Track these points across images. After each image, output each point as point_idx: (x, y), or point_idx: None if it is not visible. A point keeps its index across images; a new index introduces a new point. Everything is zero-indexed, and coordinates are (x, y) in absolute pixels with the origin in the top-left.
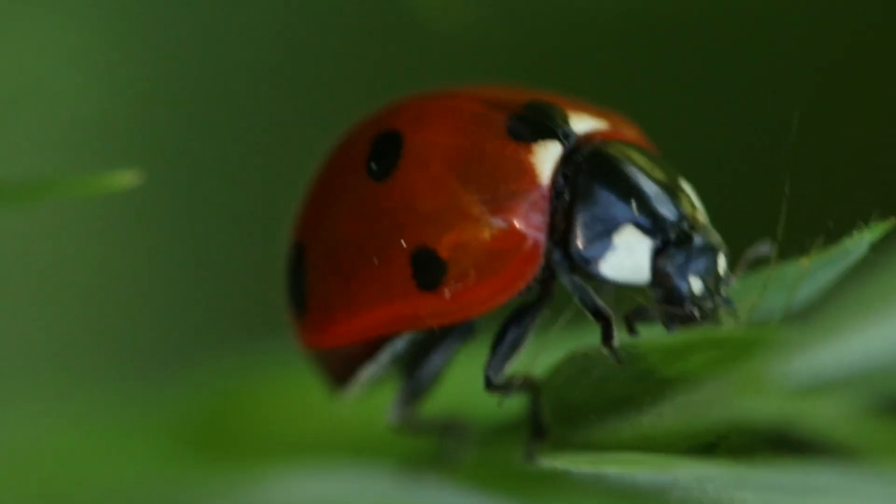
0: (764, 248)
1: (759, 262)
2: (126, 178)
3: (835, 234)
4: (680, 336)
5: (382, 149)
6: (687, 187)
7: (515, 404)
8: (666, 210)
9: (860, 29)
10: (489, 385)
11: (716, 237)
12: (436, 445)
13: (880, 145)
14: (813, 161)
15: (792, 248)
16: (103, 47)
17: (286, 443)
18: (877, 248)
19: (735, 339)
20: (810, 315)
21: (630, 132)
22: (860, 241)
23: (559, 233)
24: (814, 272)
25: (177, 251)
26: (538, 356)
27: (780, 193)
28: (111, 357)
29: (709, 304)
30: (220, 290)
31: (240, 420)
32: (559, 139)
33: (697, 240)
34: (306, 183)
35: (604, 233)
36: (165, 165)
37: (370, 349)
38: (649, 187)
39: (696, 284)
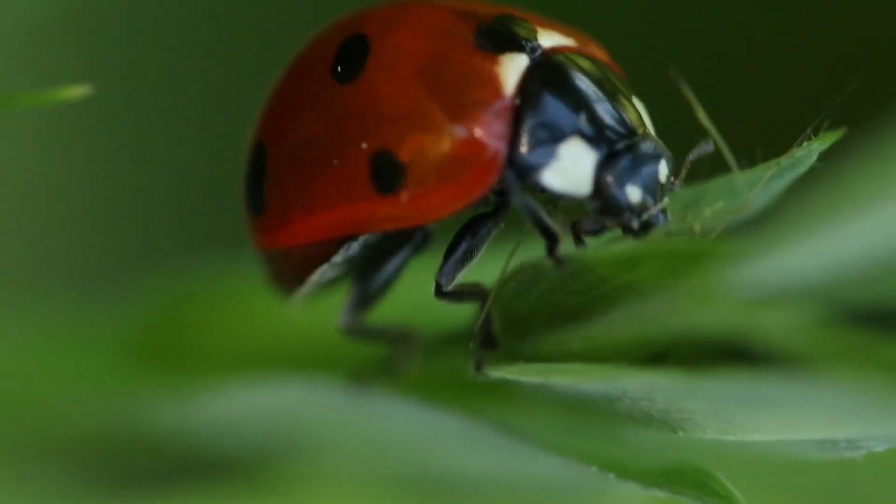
0: (706, 147)
1: (701, 161)
2: (76, 91)
3: (785, 144)
4: (629, 246)
5: (349, 52)
6: (640, 106)
7: (464, 315)
8: (613, 124)
9: None
10: (439, 291)
11: (658, 147)
12: (384, 355)
13: (830, 59)
14: (766, 71)
15: (743, 159)
16: None
17: (235, 353)
18: (826, 157)
19: (685, 250)
20: (761, 225)
21: (597, 51)
22: (809, 151)
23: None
24: (764, 181)
25: (123, 165)
26: (488, 267)
27: (733, 105)
28: (58, 271)
29: (647, 215)
30: (167, 202)
31: (189, 331)
32: (526, 52)
33: (639, 150)
34: (257, 94)
35: (550, 141)
36: (111, 76)
37: (325, 251)
38: (599, 100)
39: (635, 194)
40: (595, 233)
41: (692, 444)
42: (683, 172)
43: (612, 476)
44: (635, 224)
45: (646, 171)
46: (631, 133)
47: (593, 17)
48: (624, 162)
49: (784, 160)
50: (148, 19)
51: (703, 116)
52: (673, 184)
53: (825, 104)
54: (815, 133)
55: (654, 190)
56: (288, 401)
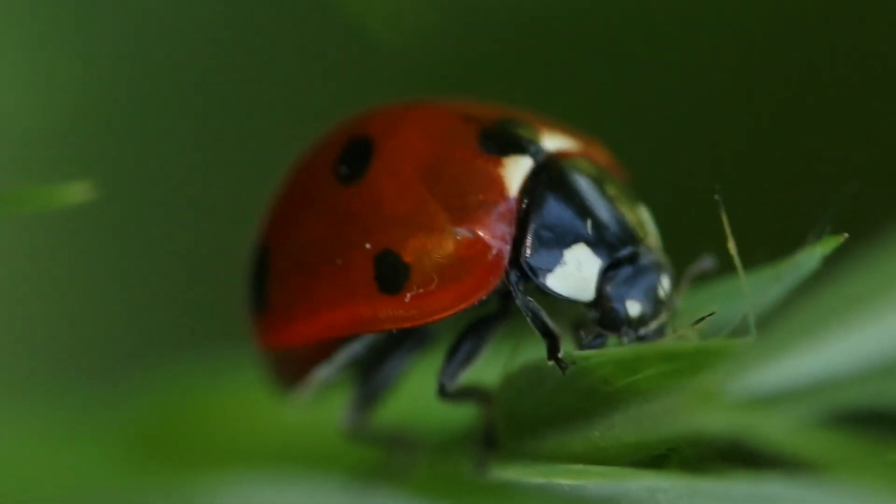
0: (706, 263)
1: (702, 278)
2: (80, 191)
3: (787, 247)
4: (631, 349)
5: (353, 154)
6: (644, 213)
7: (467, 416)
8: (617, 231)
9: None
10: (442, 392)
11: (662, 261)
12: (386, 455)
13: (835, 160)
14: (767, 174)
15: (745, 261)
16: (42, 57)
17: (237, 451)
18: (828, 261)
19: (687, 352)
20: (762, 328)
21: (599, 154)
22: (812, 255)
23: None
24: (766, 285)
25: (127, 262)
26: (492, 367)
27: (734, 207)
28: (61, 366)
29: (643, 331)
30: (171, 298)
31: (190, 428)
32: (529, 154)
33: (642, 264)
34: (258, 193)
35: (555, 245)
36: (111, 176)
37: (326, 350)
38: (606, 208)
39: (634, 308)
40: (596, 346)
41: None
42: (683, 288)
43: None
44: (632, 337)
45: (645, 285)
46: (633, 241)
47: (600, 115)
48: (625, 273)
49: (786, 265)
50: (148, 121)
51: (731, 238)
52: (673, 298)
53: (825, 203)
54: (818, 236)
55: (654, 305)
56: (288, 500)
